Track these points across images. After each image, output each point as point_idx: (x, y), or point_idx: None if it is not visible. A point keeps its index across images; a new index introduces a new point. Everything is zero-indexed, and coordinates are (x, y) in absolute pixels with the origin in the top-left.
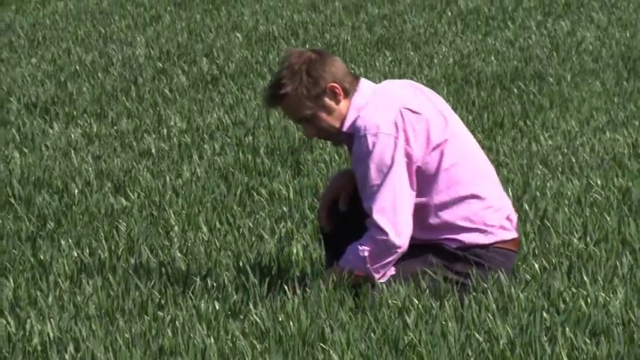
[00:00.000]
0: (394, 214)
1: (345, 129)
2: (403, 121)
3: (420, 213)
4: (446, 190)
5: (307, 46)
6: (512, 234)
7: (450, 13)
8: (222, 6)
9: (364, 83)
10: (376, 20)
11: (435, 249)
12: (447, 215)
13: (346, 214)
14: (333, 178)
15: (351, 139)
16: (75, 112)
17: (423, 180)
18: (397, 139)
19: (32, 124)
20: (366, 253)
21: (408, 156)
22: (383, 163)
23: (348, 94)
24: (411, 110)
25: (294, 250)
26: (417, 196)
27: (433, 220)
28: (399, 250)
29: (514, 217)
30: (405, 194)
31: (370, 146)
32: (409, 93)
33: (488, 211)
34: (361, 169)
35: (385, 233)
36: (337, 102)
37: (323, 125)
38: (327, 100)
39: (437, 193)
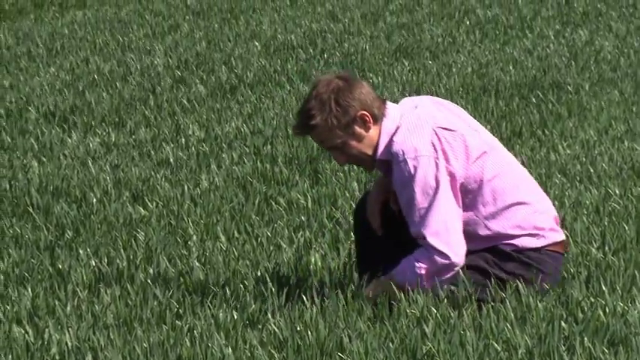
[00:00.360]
0: (448, 234)
1: (379, 156)
2: (439, 141)
3: (470, 227)
4: (492, 201)
5: (325, 56)
6: (561, 235)
7: (468, 22)
8: (241, 15)
9: (390, 107)
10: (394, 29)
11: (490, 249)
12: (496, 226)
13: (396, 214)
14: (375, 183)
15: (385, 165)
16: (93, 122)
17: (468, 194)
18: (437, 160)
19: (50, 133)
20: (423, 271)
21: (451, 174)
22: (428, 186)
23: (377, 120)
24: (444, 128)
25: (313, 260)
26: (464, 210)
27: (483, 232)
28: (455, 268)
29: (558, 217)
30: (454, 213)
31: (412, 170)
32: (434, 109)
33: (535, 215)
34: (406, 194)
35: (445, 255)
36: (367, 129)
37: (353, 152)
38: (357, 128)
39: (483, 205)
